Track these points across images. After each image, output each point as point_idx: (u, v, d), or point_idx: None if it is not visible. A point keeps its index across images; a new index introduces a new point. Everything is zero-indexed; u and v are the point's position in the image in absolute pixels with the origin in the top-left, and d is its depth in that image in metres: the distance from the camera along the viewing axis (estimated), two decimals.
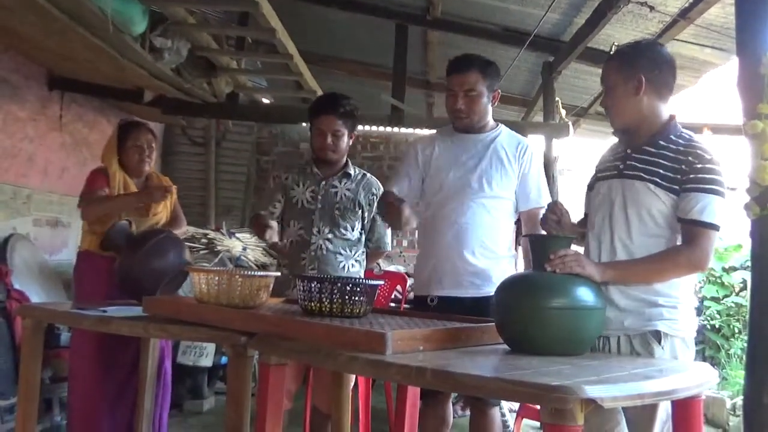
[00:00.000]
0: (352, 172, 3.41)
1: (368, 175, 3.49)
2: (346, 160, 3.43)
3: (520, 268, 3.47)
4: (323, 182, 3.35)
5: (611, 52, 2.46)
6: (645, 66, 2.32)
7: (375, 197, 3.40)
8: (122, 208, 3.53)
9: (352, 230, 3.35)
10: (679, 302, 2.29)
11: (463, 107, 2.98)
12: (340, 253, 3.31)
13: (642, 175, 2.28)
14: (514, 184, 3.00)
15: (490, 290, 2.76)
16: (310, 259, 3.28)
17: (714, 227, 2.20)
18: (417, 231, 3.36)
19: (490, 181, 2.95)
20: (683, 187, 2.22)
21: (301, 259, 3.29)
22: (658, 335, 2.25)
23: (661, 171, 2.25)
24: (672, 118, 2.36)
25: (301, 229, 3.32)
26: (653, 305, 2.27)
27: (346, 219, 3.33)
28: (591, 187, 2.52)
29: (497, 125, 3.11)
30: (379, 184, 3.48)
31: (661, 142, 2.30)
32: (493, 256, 2.94)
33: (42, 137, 5.75)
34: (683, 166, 2.22)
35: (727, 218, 2.25)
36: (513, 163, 3.00)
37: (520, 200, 3.03)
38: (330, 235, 3.30)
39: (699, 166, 2.21)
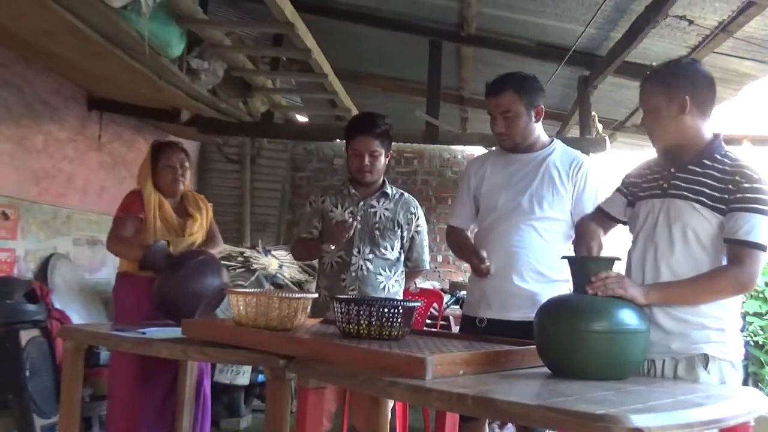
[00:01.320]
0: (389, 191, 3.41)
1: (405, 194, 3.48)
2: (384, 180, 3.43)
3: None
4: (361, 203, 3.35)
5: (648, 74, 2.39)
6: (687, 85, 2.27)
7: (414, 216, 3.40)
8: (128, 257, 3.59)
9: (392, 250, 3.34)
10: (726, 324, 2.24)
11: (503, 129, 2.92)
12: (381, 274, 3.30)
13: (686, 194, 2.24)
14: (568, 205, 2.90)
15: None
16: (350, 280, 3.27)
17: (762, 248, 2.15)
18: None
19: (541, 202, 2.86)
20: (730, 207, 2.17)
21: (341, 280, 3.28)
22: (705, 359, 2.20)
23: (708, 191, 2.21)
24: (716, 136, 2.31)
25: (340, 251, 3.30)
26: (700, 327, 2.22)
27: (385, 239, 3.32)
28: (631, 203, 2.48)
29: (552, 141, 3.02)
30: (417, 203, 3.47)
31: (707, 162, 2.25)
32: (543, 280, 2.85)
33: (81, 157, 5.84)
34: (730, 186, 2.18)
35: None
36: (566, 182, 2.90)
37: (576, 220, 2.90)
38: (370, 256, 3.29)
39: (746, 185, 2.16)
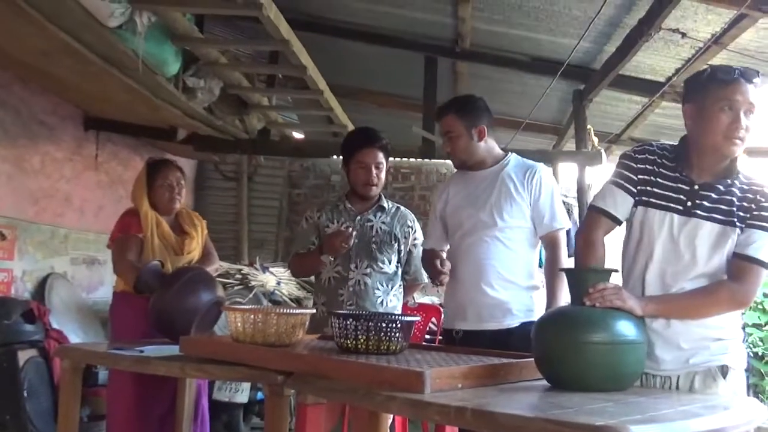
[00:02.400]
0: (386, 205, 3.42)
1: (402, 207, 3.49)
2: (380, 194, 3.43)
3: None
4: (358, 217, 3.35)
5: (747, 73, 2.28)
6: None
7: (411, 230, 3.43)
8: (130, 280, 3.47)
9: (389, 264, 3.35)
10: (738, 334, 2.25)
11: (448, 149, 3.10)
12: (378, 288, 3.30)
13: (716, 216, 2.18)
14: (527, 212, 2.98)
15: (511, 322, 2.88)
16: (348, 295, 3.27)
17: (765, 265, 2.15)
18: None
19: (501, 213, 2.96)
20: (747, 224, 2.16)
21: (339, 295, 3.28)
22: (724, 369, 2.19)
23: (735, 210, 2.17)
24: None
25: (338, 266, 3.30)
26: (718, 339, 2.21)
27: (383, 252, 3.32)
28: (638, 203, 2.29)
29: (506, 155, 3.13)
30: (413, 216, 3.49)
31: (728, 180, 2.20)
32: (512, 288, 2.93)
33: (78, 177, 5.85)
34: (753, 205, 2.17)
35: None
36: (522, 191, 2.99)
37: (537, 226, 3.00)
38: (368, 270, 3.29)
39: (765, 204, 2.16)
